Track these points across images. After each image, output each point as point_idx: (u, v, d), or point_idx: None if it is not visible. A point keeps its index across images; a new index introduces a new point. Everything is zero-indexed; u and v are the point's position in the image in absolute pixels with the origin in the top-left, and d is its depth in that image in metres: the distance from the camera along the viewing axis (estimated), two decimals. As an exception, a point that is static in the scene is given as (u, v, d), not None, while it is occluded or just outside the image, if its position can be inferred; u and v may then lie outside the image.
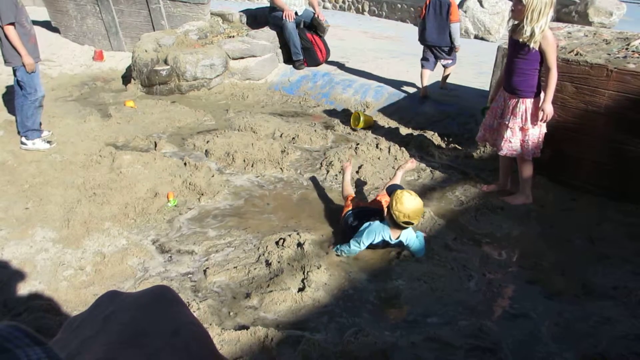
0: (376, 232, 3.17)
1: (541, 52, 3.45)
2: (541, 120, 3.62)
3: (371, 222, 3.22)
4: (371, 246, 3.24)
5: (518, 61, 3.56)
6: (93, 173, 4.26)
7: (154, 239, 3.51)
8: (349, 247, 3.23)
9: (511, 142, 3.73)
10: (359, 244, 3.19)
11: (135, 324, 0.76)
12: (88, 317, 0.81)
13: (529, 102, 3.61)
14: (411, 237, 3.23)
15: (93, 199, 3.88)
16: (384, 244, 3.24)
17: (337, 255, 3.28)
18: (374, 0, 10.85)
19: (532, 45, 3.41)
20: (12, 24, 4.31)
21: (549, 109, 3.56)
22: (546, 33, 3.38)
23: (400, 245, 3.26)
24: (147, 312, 0.80)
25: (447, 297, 2.93)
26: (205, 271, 3.14)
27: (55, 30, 8.45)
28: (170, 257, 3.33)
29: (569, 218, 3.76)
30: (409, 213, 3.02)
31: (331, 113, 5.91)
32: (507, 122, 3.70)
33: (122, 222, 3.66)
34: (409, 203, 3.02)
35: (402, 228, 3.14)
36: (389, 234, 3.17)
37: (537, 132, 3.70)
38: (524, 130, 3.69)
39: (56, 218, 3.67)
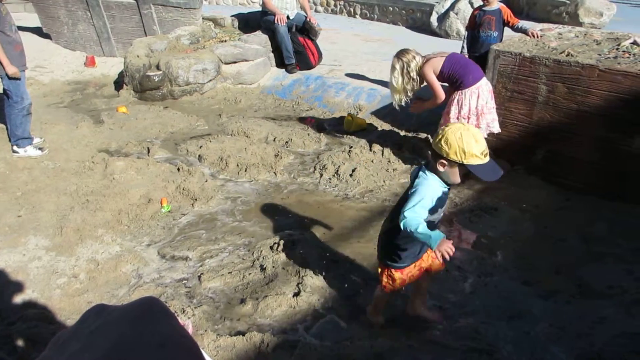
0: (432, 184, 2.22)
1: None
2: None
3: (421, 179, 2.24)
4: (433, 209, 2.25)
5: None
6: (86, 180, 4.24)
7: (148, 245, 3.49)
8: (414, 214, 2.12)
9: None
10: (423, 207, 2.16)
11: (121, 339, 0.75)
12: (74, 332, 0.80)
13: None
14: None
15: (86, 206, 3.85)
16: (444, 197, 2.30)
17: (406, 230, 2.09)
18: (366, 3, 10.85)
19: None
20: None
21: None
22: (423, 73, 4.44)
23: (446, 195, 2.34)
24: (134, 325, 0.79)
25: (443, 299, 2.93)
26: (199, 277, 3.12)
27: (46, 36, 8.42)
28: (165, 263, 3.31)
29: (563, 218, 3.77)
30: (478, 139, 2.09)
31: (324, 116, 5.91)
32: None
33: (115, 228, 3.64)
34: (471, 132, 2.10)
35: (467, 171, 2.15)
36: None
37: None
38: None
39: (49, 225, 3.64)
